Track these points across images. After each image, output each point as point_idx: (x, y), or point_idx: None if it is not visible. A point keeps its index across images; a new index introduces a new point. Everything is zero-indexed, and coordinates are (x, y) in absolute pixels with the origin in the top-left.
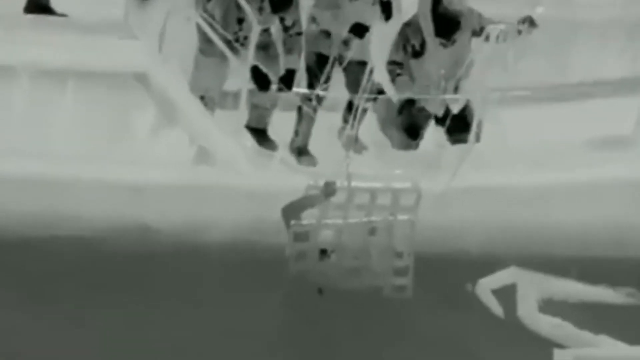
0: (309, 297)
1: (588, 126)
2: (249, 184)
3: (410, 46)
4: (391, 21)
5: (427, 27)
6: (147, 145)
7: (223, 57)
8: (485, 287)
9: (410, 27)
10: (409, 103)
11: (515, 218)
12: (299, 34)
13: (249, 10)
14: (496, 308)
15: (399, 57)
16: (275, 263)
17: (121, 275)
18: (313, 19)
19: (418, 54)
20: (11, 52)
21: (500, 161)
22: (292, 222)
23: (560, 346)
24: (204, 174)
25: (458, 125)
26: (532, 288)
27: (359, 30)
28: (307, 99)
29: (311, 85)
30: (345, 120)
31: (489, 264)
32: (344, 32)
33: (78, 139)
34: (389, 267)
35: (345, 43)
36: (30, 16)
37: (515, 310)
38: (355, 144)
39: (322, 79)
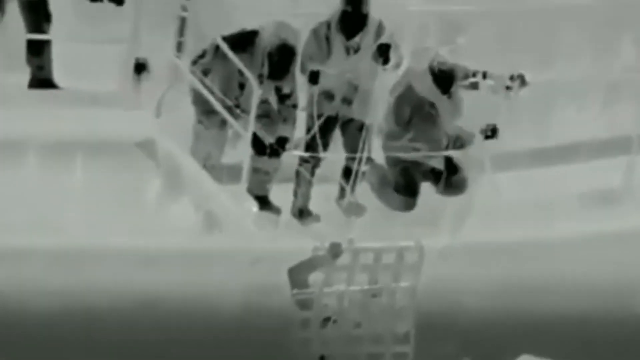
0: None
1: (576, 184)
2: (256, 248)
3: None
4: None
5: (430, 87)
6: (155, 213)
7: (222, 126)
8: None
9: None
10: (401, 161)
11: (513, 274)
12: (295, 106)
13: (250, 76)
14: None
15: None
16: (280, 329)
17: (130, 344)
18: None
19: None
20: (19, 127)
21: (495, 218)
22: (296, 289)
23: None
24: (211, 240)
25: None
26: None
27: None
28: (304, 160)
29: (309, 147)
30: (342, 187)
31: (490, 325)
32: (344, 90)
33: (87, 210)
34: (391, 335)
35: (348, 102)
36: (35, 91)
37: None
38: (355, 208)
39: (322, 140)
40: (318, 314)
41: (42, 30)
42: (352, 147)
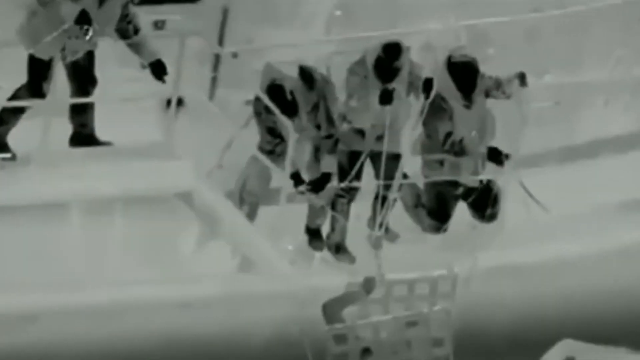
0: None
1: (611, 189)
2: (291, 287)
3: (443, 113)
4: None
5: (448, 86)
6: (193, 261)
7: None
8: None
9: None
10: (436, 185)
11: (546, 291)
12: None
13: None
14: None
15: (447, 127)
16: None
17: None
18: (344, 118)
19: (451, 118)
20: (61, 187)
21: (528, 237)
22: (330, 324)
23: None
24: (248, 283)
25: (485, 201)
26: None
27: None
28: (340, 195)
29: (342, 181)
30: (375, 210)
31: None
32: (379, 130)
33: (129, 264)
34: (429, 358)
35: (379, 138)
36: (76, 149)
37: None
38: (387, 235)
39: (354, 174)
40: (354, 347)
41: (86, 92)
42: (383, 176)
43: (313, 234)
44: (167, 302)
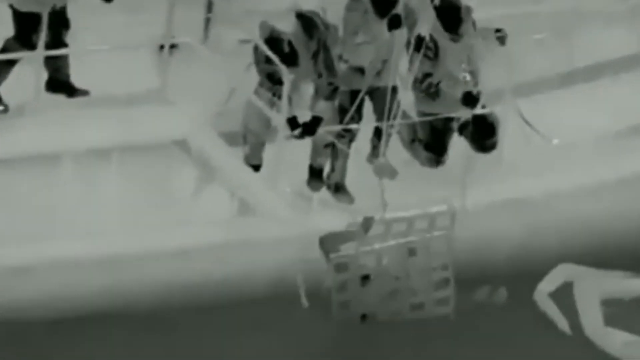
0: (354, 329)
1: (607, 114)
2: (291, 231)
3: (429, 52)
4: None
5: (435, 25)
6: (191, 207)
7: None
8: (543, 292)
9: (420, 38)
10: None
11: (541, 220)
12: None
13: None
14: (558, 317)
15: (426, 68)
16: (319, 301)
17: (175, 333)
18: (340, 57)
19: (436, 55)
20: (55, 137)
21: (528, 167)
22: (332, 254)
23: None
24: (247, 227)
25: (482, 130)
26: (589, 286)
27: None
28: (340, 135)
29: (342, 121)
30: (374, 146)
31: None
32: (378, 64)
33: (125, 212)
34: (430, 283)
35: (378, 74)
36: (70, 99)
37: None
38: (387, 169)
39: (356, 114)
40: (354, 274)
41: (60, 36)
42: (382, 111)
43: (315, 173)
44: (165, 250)
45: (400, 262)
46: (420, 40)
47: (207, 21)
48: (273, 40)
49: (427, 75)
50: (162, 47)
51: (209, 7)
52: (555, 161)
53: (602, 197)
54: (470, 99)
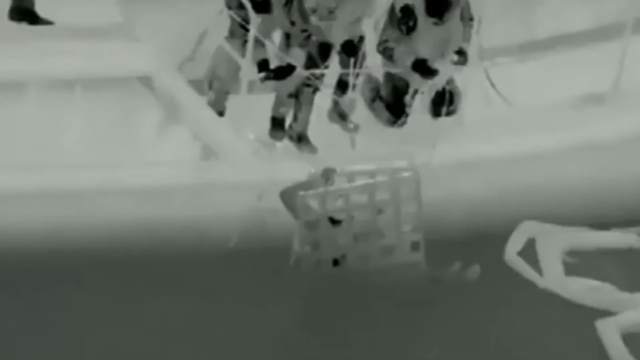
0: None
1: (565, 83)
2: (254, 177)
3: (403, 24)
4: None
5: (419, 6)
6: (154, 147)
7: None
8: (512, 251)
9: (403, 7)
10: (392, 79)
11: (506, 185)
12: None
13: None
14: (530, 273)
15: (392, 36)
16: (283, 250)
17: (132, 276)
18: (313, 11)
19: (410, 31)
20: (19, 65)
21: (486, 131)
22: (291, 211)
23: (598, 311)
24: (209, 171)
25: (440, 98)
26: (552, 242)
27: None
28: (305, 85)
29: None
30: (335, 101)
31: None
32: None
33: (87, 146)
34: (399, 225)
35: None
36: (34, 27)
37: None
38: (348, 125)
39: (323, 63)
40: (324, 215)
41: None
42: (347, 62)
43: (277, 123)
44: (126, 188)
45: (368, 204)
46: (407, 11)
47: None
48: None
49: (385, 41)
50: None
51: None
52: (515, 126)
53: (562, 160)
54: (420, 67)
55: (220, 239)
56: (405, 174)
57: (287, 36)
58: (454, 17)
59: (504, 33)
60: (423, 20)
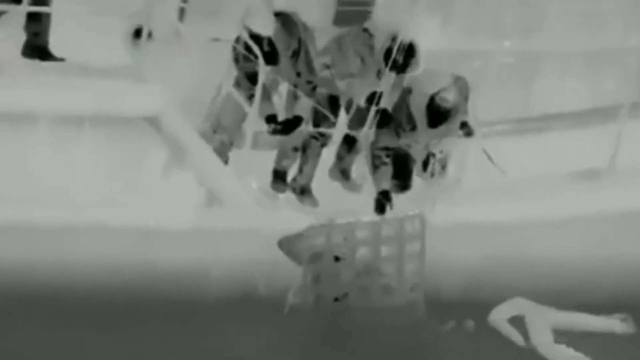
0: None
1: (560, 160)
2: (257, 225)
3: (402, 130)
4: None
5: (421, 119)
6: (159, 189)
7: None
8: (498, 316)
9: (404, 114)
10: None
11: (500, 252)
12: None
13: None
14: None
15: (392, 143)
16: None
17: (129, 315)
18: (327, 67)
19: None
20: (30, 100)
21: (484, 197)
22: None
23: None
24: (213, 217)
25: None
26: (539, 319)
27: None
28: (313, 138)
29: (316, 126)
30: (340, 157)
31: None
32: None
33: (92, 183)
34: (400, 267)
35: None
36: (45, 63)
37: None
38: (350, 184)
39: (331, 118)
40: (329, 256)
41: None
42: (358, 123)
43: (279, 176)
44: (127, 228)
45: (372, 240)
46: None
47: (182, 11)
48: (253, 38)
49: (387, 149)
50: (137, 33)
51: None
52: (510, 194)
53: (556, 232)
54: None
55: (217, 284)
56: (411, 213)
57: (294, 87)
58: (451, 125)
59: (501, 105)
60: (422, 127)
